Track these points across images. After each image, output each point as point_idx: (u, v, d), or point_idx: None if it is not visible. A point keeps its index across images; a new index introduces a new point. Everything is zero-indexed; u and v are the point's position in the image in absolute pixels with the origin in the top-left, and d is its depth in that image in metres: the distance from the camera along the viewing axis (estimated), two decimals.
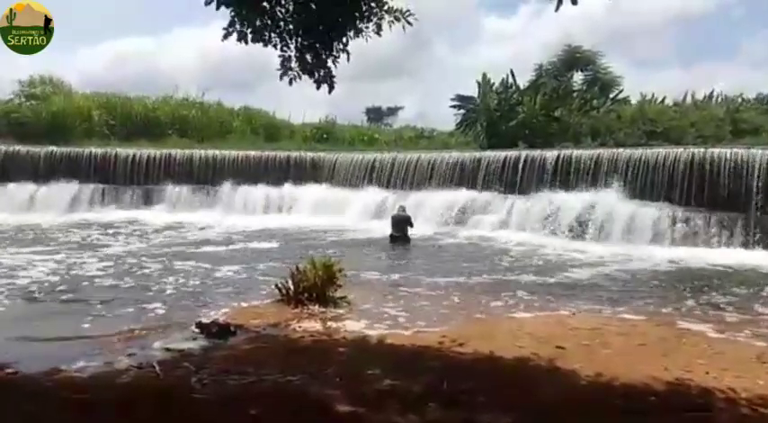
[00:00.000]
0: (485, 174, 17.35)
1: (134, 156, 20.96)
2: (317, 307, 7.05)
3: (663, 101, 21.78)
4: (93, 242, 13.73)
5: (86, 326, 6.61)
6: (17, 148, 21.14)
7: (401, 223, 13.83)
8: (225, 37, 4.65)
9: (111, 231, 15.58)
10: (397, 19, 4.78)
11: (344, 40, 4.84)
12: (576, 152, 16.40)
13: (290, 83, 4.85)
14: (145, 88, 37.13)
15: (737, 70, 47.43)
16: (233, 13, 4.59)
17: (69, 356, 5.28)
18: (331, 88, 4.92)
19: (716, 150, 14.07)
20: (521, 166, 16.79)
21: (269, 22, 4.71)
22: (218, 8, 4.48)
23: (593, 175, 15.34)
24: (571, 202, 14.72)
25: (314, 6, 4.75)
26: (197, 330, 6.09)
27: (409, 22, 4.81)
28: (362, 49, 5.04)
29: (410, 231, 13.86)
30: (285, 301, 7.22)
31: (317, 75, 4.86)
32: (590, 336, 6.17)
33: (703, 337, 6.43)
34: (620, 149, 15.93)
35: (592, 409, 4.17)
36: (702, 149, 14.38)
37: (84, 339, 5.94)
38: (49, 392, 4.41)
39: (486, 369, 5.07)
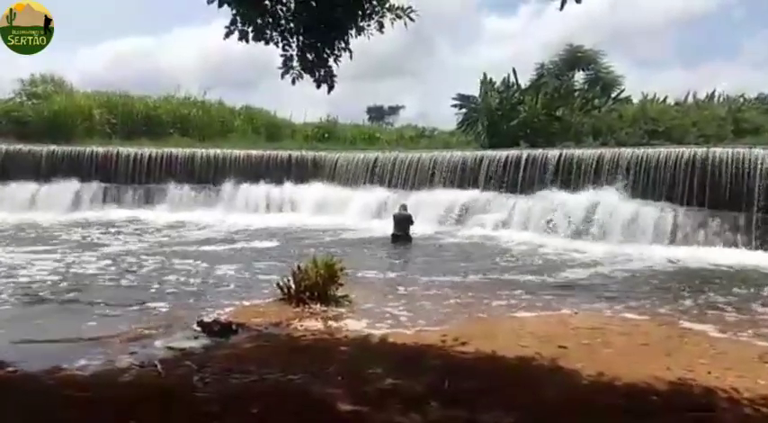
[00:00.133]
0: (486, 173, 17.32)
1: (135, 155, 20.95)
2: (318, 306, 7.04)
3: (665, 100, 21.74)
4: (94, 241, 13.73)
5: (88, 324, 6.61)
6: (19, 147, 21.14)
7: (403, 222, 13.83)
8: (226, 35, 4.64)
9: (112, 230, 15.59)
10: (399, 16, 4.77)
11: (346, 38, 4.83)
12: (577, 152, 16.38)
13: (293, 82, 4.84)
14: (146, 87, 37.11)
15: (739, 70, 47.40)
16: (234, 12, 4.58)
17: (71, 355, 5.29)
18: (330, 88, 4.91)
19: (718, 150, 14.05)
20: (522, 165, 16.76)
21: (270, 20, 4.70)
22: (220, 6, 4.48)
23: (594, 175, 15.32)
24: (573, 201, 14.71)
25: (315, 4, 4.74)
26: (199, 329, 6.09)
27: (411, 19, 4.80)
28: (364, 49, 5.03)
29: (411, 230, 13.86)
30: (287, 300, 7.22)
31: (317, 74, 4.85)
32: (592, 335, 6.16)
33: (705, 336, 6.42)
34: (622, 149, 15.90)
35: (594, 409, 4.17)
36: (704, 149, 14.35)
37: (85, 338, 5.94)
38: (50, 391, 4.41)
39: (488, 368, 5.06)
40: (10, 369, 4.83)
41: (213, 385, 4.44)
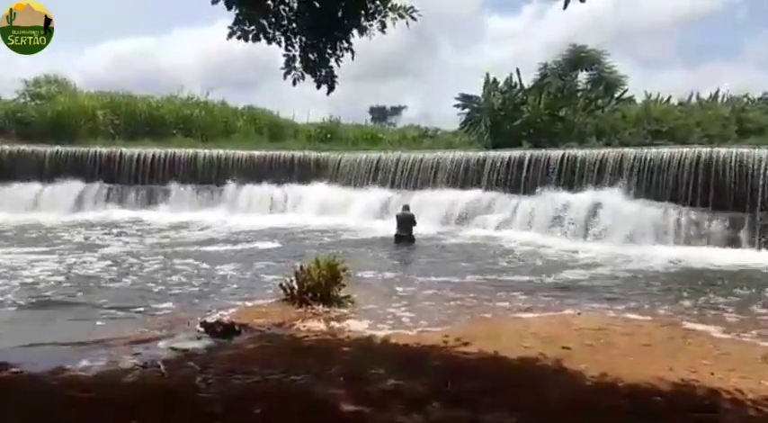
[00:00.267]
0: (489, 173, 17.32)
1: (139, 155, 21.00)
2: (321, 306, 7.05)
3: (668, 100, 21.70)
4: (97, 242, 13.76)
5: (91, 325, 6.64)
6: (22, 147, 21.22)
7: (405, 223, 13.82)
8: (230, 36, 4.65)
9: (115, 231, 15.63)
10: (401, 16, 4.76)
11: (348, 38, 4.83)
12: (580, 152, 16.37)
13: (294, 83, 4.84)
14: (148, 88, 37.17)
15: (742, 70, 47.27)
16: (237, 12, 4.59)
17: (74, 356, 5.29)
18: (331, 88, 4.91)
19: (721, 150, 14.02)
20: (525, 165, 16.75)
21: (273, 20, 4.70)
22: (229, 9, 4.49)
23: (597, 175, 15.30)
24: (576, 202, 14.69)
25: (318, 4, 4.74)
26: (202, 330, 6.10)
27: (414, 18, 4.79)
28: (366, 49, 5.03)
29: (414, 230, 13.85)
30: (289, 301, 7.22)
31: (318, 74, 4.85)
32: (595, 336, 6.15)
33: (708, 337, 6.41)
34: (625, 149, 15.89)
35: (597, 410, 4.15)
36: (708, 149, 14.32)
37: (88, 338, 5.95)
38: (54, 391, 4.41)
39: (491, 369, 5.06)
40: (14, 370, 4.84)
41: (216, 386, 4.45)
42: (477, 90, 23.27)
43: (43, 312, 7.21)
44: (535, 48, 53.63)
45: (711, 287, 9.27)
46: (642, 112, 20.32)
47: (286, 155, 21.10)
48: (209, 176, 20.61)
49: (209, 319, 6.43)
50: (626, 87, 24.19)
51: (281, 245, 13.51)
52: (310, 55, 4.82)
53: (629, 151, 15.47)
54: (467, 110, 23.68)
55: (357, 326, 6.54)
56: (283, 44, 4.76)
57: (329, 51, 4.82)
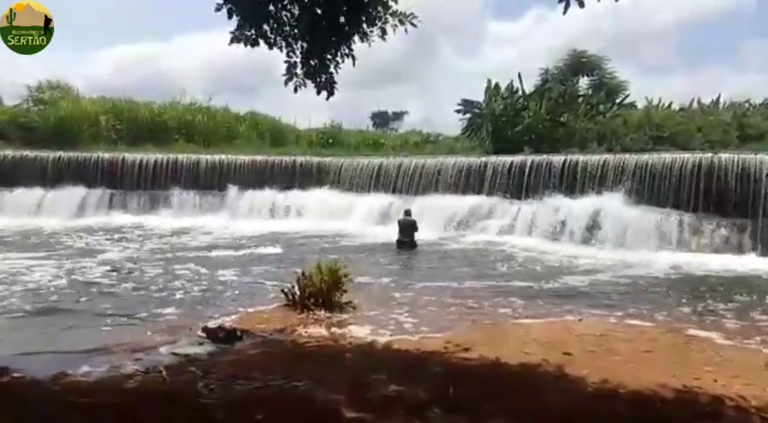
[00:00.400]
0: (491, 179, 17.33)
1: (141, 161, 21.06)
2: (322, 312, 7.05)
3: (669, 106, 21.71)
4: (99, 247, 13.78)
5: (92, 331, 6.64)
6: (25, 152, 21.29)
7: (407, 228, 13.82)
8: (232, 41, 4.68)
9: (117, 236, 15.65)
10: (402, 22, 4.79)
11: (349, 44, 4.85)
12: (582, 157, 16.37)
13: (295, 90, 4.87)
14: (151, 93, 37.33)
15: (742, 75, 47.34)
16: (240, 18, 4.62)
17: (75, 361, 5.31)
18: (330, 94, 4.93)
19: (723, 156, 14.02)
20: (527, 171, 16.76)
21: (275, 25, 4.73)
22: (230, 17, 4.52)
23: (599, 181, 15.29)
24: (577, 207, 14.68)
25: (319, 10, 4.77)
26: (203, 335, 6.10)
27: (414, 25, 4.81)
28: (368, 55, 5.05)
29: (416, 236, 13.84)
30: (291, 306, 7.23)
31: (318, 80, 4.87)
32: (597, 342, 6.14)
33: (711, 343, 6.39)
34: (627, 155, 15.89)
35: (599, 417, 4.15)
36: (710, 155, 14.32)
37: (90, 344, 5.95)
38: (55, 396, 4.42)
39: (492, 375, 5.05)
40: (16, 375, 4.85)
41: (218, 391, 4.45)
42: (478, 95, 23.37)
43: (44, 318, 7.21)
44: (536, 53, 53.70)
45: (713, 293, 9.24)
46: (643, 118, 20.34)
47: (288, 160, 21.13)
48: (211, 182, 20.65)
49: (211, 325, 6.43)
50: (627, 93, 24.22)
51: (283, 250, 13.51)
52: (311, 61, 4.84)
53: (631, 157, 15.48)
54: (468, 115, 23.72)
55: (359, 331, 6.53)
56: (284, 50, 4.79)
57: (329, 57, 4.85)
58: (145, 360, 5.33)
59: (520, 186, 16.74)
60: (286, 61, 4.82)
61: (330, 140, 26.34)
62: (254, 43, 4.68)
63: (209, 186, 20.52)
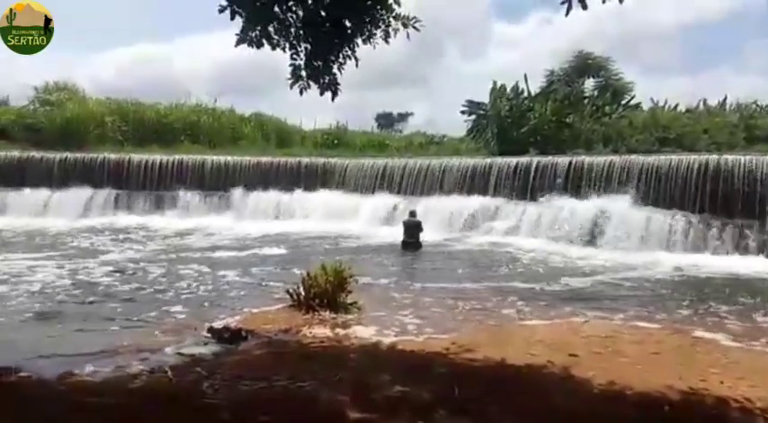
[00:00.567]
0: (496, 180, 17.30)
1: (147, 162, 21.12)
2: (327, 313, 7.05)
3: (675, 107, 21.64)
4: (104, 248, 13.83)
5: (98, 330, 6.67)
6: (32, 153, 21.39)
7: (412, 229, 13.81)
8: (238, 43, 4.69)
9: (122, 237, 15.70)
10: (405, 25, 4.79)
11: (353, 46, 4.86)
12: (587, 159, 16.33)
13: (301, 93, 4.89)
14: (156, 95, 37.48)
15: (746, 77, 47.18)
16: (245, 19, 4.63)
17: (82, 361, 5.32)
18: (334, 95, 4.94)
19: (729, 157, 13.96)
20: (532, 172, 16.73)
21: (279, 27, 4.74)
22: (232, 18, 4.53)
23: (605, 182, 15.25)
24: (583, 209, 14.64)
25: (323, 12, 4.78)
26: (209, 335, 6.11)
27: (417, 29, 4.82)
28: (372, 56, 5.06)
29: (421, 237, 13.83)
30: (296, 307, 7.23)
31: (322, 81, 4.88)
32: (603, 343, 6.12)
33: (717, 345, 6.37)
34: (633, 156, 15.84)
35: (605, 419, 4.14)
36: (716, 156, 14.26)
37: (95, 344, 5.98)
38: (62, 396, 4.44)
39: (498, 376, 5.04)
40: (22, 375, 4.87)
41: (223, 391, 4.46)
42: (483, 97, 23.34)
43: (49, 318, 7.23)
44: (541, 55, 53.73)
45: (720, 295, 9.20)
46: (649, 119, 20.28)
47: (293, 161, 21.15)
48: (216, 183, 20.67)
49: (217, 325, 6.45)
50: (633, 94, 24.13)
51: (288, 251, 13.53)
52: (315, 62, 4.86)
53: (637, 158, 15.43)
54: (473, 116, 23.70)
55: (363, 332, 6.53)
56: (288, 52, 4.80)
57: (333, 58, 4.86)
58: (150, 360, 5.35)
59: (525, 187, 16.70)
60: (291, 64, 4.84)
61: (335, 142, 26.36)
62: (260, 45, 4.70)
63: (214, 187, 20.54)
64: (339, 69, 4.89)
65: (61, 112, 23.84)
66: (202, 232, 16.78)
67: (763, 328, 7.23)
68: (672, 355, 5.90)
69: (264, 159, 21.31)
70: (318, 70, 4.86)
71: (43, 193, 19.98)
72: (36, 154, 21.34)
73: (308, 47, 4.83)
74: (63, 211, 19.22)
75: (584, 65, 24.79)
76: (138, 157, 21.41)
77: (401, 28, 4.79)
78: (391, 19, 4.79)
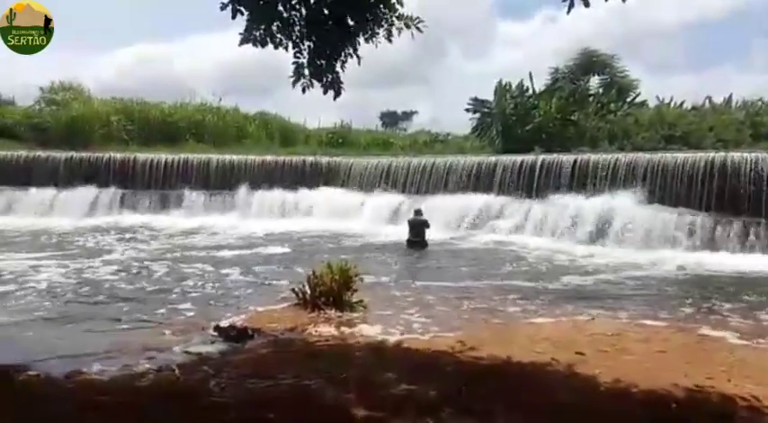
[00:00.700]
0: (501, 178, 17.28)
1: (152, 161, 21.18)
2: (333, 311, 7.06)
3: (681, 105, 21.55)
4: (110, 247, 13.87)
5: (105, 329, 6.70)
6: (38, 153, 21.48)
7: (417, 227, 13.81)
8: (242, 42, 4.70)
9: (128, 236, 15.75)
10: (408, 26, 4.79)
11: (355, 44, 4.87)
12: (593, 157, 16.29)
13: (303, 91, 4.90)
14: (161, 94, 37.55)
15: (750, 75, 46.93)
16: (248, 18, 4.64)
17: (89, 359, 5.35)
18: (337, 94, 4.94)
19: (736, 155, 13.90)
20: (537, 170, 16.70)
21: (282, 26, 4.75)
22: (233, 17, 4.54)
23: (610, 180, 15.21)
24: (588, 207, 14.60)
25: (327, 11, 4.79)
26: (216, 334, 6.14)
27: (419, 29, 4.82)
28: (377, 55, 5.07)
29: (426, 234, 13.82)
30: (302, 306, 7.25)
31: (325, 80, 4.89)
32: (609, 342, 6.11)
33: (724, 343, 6.35)
34: (638, 154, 15.79)
35: (612, 417, 4.13)
36: (722, 154, 14.20)
37: (103, 342, 6.01)
38: (70, 394, 4.46)
39: (504, 374, 5.04)
40: (31, 373, 4.90)
41: (230, 390, 4.47)
42: (487, 95, 23.31)
43: (56, 317, 7.25)
44: (544, 54, 53.64)
45: (726, 293, 9.17)
46: (655, 117, 20.20)
47: (297, 160, 21.18)
48: (221, 182, 20.72)
49: (223, 324, 6.47)
50: (638, 91, 24.07)
51: (293, 250, 13.55)
52: (317, 61, 4.86)
53: (642, 156, 15.38)
54: (478, 114, 23.67)
55: (369, 331, 6.54)
56: (292, 50, 4.81)
57: (335, 57, 4.87)
58: (158, 358, 5.37)
59: (530, 186, 16.68)
60: (294, 62, 4.85)
61: (339, 140, 26.38)
62: (263, 44, 4.71)
63: (219, 186, 20.59)
64: (341, 68, 4.89)
65: (67, 112, 23.94)
66: (207, 231, 16.82)
67: None
68: (678, 353, 5.89)
69: (269, 158, 21.35)
70: (321, 69, 4.87)
71: (49, 193, 20.06)
72: (42, 153, 21.43)
73: (311, 45, 4.84)
74: (69, 210, 19.29)
75: (590, 62, 24.72)
76: (143, 156, 21.48)
77: (404, 28, 4.79)
78: (394, 18, 4.79)
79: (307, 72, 4.86)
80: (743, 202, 13.32)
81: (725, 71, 49.97)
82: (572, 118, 20.81)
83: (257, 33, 4.67)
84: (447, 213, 16.40)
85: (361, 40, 4.85)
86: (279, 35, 4.74)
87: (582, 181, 15.72)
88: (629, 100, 23.23)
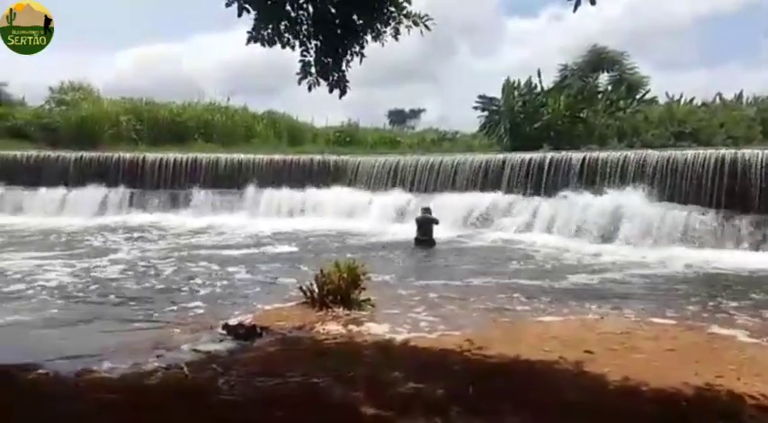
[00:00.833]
0: (509, 176, 17.22)
1: (161, 160, 21.28)
2: (341, 309, 7.07)
3: (691, 101, 21.39)
4: (119, 246, 13.94)
5: (114, 328, 6.74)
6: (48, 153, 21.65)
7: (425, 225, 13.79)
8: (249, 41, 4.71)
9: (137, 235, 15.83)
10: (416, 23, 4.78)
11: (362, 43, 4.86)
12: (602, 154, 16.20)
13: (309, 89, 4.91)
14: (170, 94, 37.75)
15: (760, 72, 46.49)
16: (256, 17, 4.65)
17: (99, 358, 5.38)
18: (343, 93, 4.95)
19: (747, 151, 13.77)
20: (546, 168, 16.63)
21: (289, 24, 4.76)
22: (239, 14, 4.55)
23: (620, 178, 15.11)
24: (598, 204, 14.53)
25: (333, 9, 4.79)
26: (224, 332, 6.16)
27: (427, 27, 4.80)
28: (384, 54, 5.07)
29: (435, 231, 13.78)
30: (310, 304, 7.26)
31: (330, 78, 4.89)
32: (618, 340, 6.08)
33: (734, 341, 6.30)
34: (648, 151, 15.68)
35: (621, 415, 4.11)
36: (733, 151, 14.08)
37: (112, 341, 6.04)
38: (79, 393, 4.49)
39: (512, 373, 5.02)
40: (40, 372, 4.94)
41: (238, 388, 4.49)
42: (495, 93, 23.22)
43: (65, 316, 7.30)
44: (552, 51, 53.48)
45: (737, 291, 9.10)
46: (665, 114, 20.06)
47: (305, 159, 21.21)
48: (229, 181, 20.77)
49: (232, 322, 6.49)
50: (648, 88, 23.92)
51: (301, 249, 13.58)
52: (324, 59, 4.86)
53: (652, 153, 15.27)
54: (486, 112, 23.60)
55: (377, 329, 6.54)
56: (298, 49, 4.81)
57: (341, 55, 4.87)
58: (167, 357, 5.40)
59: (539, 183, 16.61)
60: (300, 60, 4.85)
61: (347, 139, 26.39)
62: (271, 43, 4.72)
63: (227, 185, 20.64)
64: (347, 66, 4.89)
65: (76, 112, 24.10)
66: (216, 230, 16.89)
67: None
68: (687, 351, 5.84)
69: (277, 157, 21.40)
70: (327, 67, 4.87)
71: (59, 192, 20.22)
72: (52, 153, 21.59)
73: (318, 44, 4.84)
74: (78, 209, 19.45)
75: (598, 59, 24.60)
76: (152, 155, 21.58)
77: (412, 26, 4.78)
78: (402, 17, 4.78)
79: (313, 70, 4.87)
80: (753, 199, 13.19)
81: (734, 68, 49.67)
82: (581, 115, 20.70)
83: (265, 32, 4.69)
84: (455, 212, 16.36)
85: (369, 38, 4.85)
86: (286, 34, 4.75)
87: (591, 179, 15.63)
88: (638, 97, 23.07)
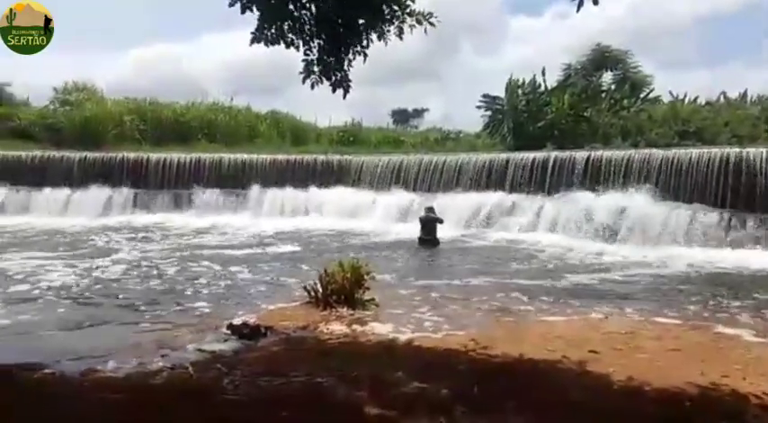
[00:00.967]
0: (513, 175, 17.21)
1: (164, 160, 21.33)
2: (345, 309, 7.07)
3: (695, 100, 21.32)
4: (123, 246, 13.96)
5: (119, 327, 6.77)
6: (53, 153, 21.72)
7: (429, 225, 13.78)
8: (252, 41, 4.72)
9: (141, 235, 15.86)
10: (419, 22, 4.77)
11: (365, 42, 4.86)
12: (606, 153, 16.16)
13: (312, 87, 4.90)
14: (173, 94, 37.79)
15: (764, 71, 46.33)
16: (259, 17, 4.65)
17: (104, 357, 5.39)
18: (346, 92, 4.95)
19: (751, 150, 13.72)
20: (549, 167, 16.60)
21: (293, 24, 4.76)
22: (242, 12, 4.56)
23: (624, 177, 15.09)
24: (601, 204, 14.50)
25: (337, 10, 4.79)
26: (229, 332, 6.17)
27: (432, 24, 4.79)
28: (387, 53, 5.06)
29: (439, 230, 13.77)
30: (314, 304, 7.26)
31: (333, 78, 4.89)
32: (623, 340, 6.07)
33: (739, 341, 6.28)
34: (652, 150, 15.64)
35: (626, 415, 4.10)
36: (737, 149, 14.03)
37: (117, 340, 6.06)
38: (84, 392, 4.51)
39: (516, 373, 5.02)
40: (46, 371, 4.95)
41: (243, 387, 4.49)
42: (498, 92, 23.20)
43: (70, 315, 7.32)
44: (556, 50, 53.32)
45: (741, 290, 9.07)
46: (669, 113, 19.98)
47: (308, 159, 21.23)
48: (233, 181, 20.81)
49: (236, 322, 6.50)
50: (652, 87, 23.84)
51: (304, 248, 13.58)
52: (327, 58, 4.86)
53: (656, 152, 15.23)
54: (489, 111, 23.57)
55: (381, 329, 6.54)
56: (302, 49, 4.81)
57: (344, 54, 4.86)
58: (171, 356, 5.41)
59: (542, 183, 16.59)
60: (304, 59, 4.85)
61: (350, 138, 26.39)
62: (274, 43, 4.72)
63: (231, 185, 20.68)
64: (349, 66, 4.89)
65: (80, 112, 24.16)
66: (219, 230, 16.91)
67: None
68: (693, 351, 5.83)
69: (280, 157, 21.42)
70: (330, 66, 4.87)
71: (63, 193, 20.29)
72: (56, 153, 21.66)
73: (321, 43, 4.84)
74: (83, 210, 19.52)
75: (602, 58, 24.54)
76: (156, 155, 21.63)
77: (416, 24, 4.78)
78: (405, 15, 4.77)
79: (316, 69, 4.87)
80: (758, 198, 13.15)
81: (736, 67, 49.48)
82: (584, 114, 20.65)
83: (268, 32, 4.69)
84: (458, 211, 16.36)
85: (373, 37, 4.84)
86: (290, 34, 4.75)
87: (595, 178, 15.60)
88: (642, 96, 22.99)
